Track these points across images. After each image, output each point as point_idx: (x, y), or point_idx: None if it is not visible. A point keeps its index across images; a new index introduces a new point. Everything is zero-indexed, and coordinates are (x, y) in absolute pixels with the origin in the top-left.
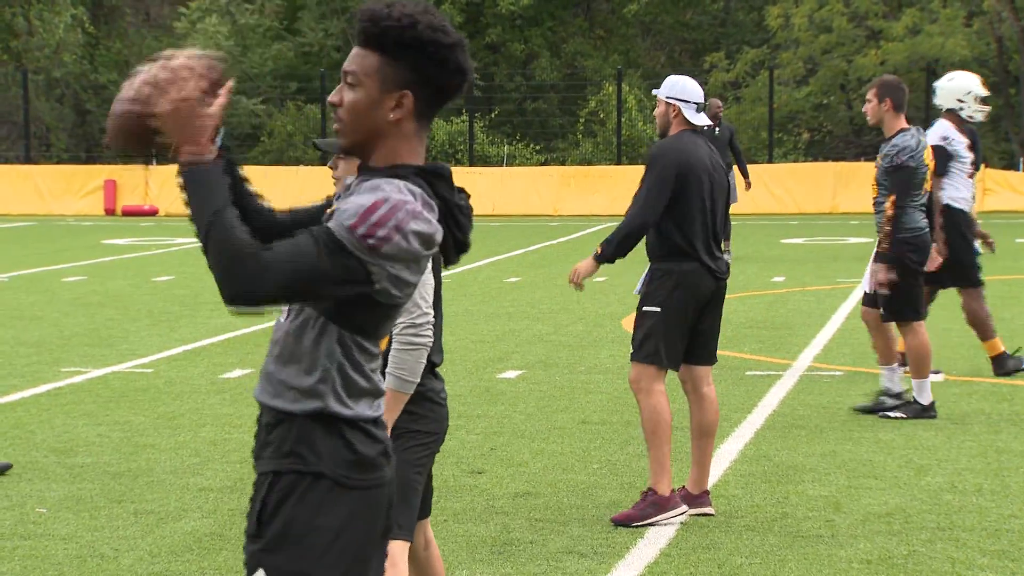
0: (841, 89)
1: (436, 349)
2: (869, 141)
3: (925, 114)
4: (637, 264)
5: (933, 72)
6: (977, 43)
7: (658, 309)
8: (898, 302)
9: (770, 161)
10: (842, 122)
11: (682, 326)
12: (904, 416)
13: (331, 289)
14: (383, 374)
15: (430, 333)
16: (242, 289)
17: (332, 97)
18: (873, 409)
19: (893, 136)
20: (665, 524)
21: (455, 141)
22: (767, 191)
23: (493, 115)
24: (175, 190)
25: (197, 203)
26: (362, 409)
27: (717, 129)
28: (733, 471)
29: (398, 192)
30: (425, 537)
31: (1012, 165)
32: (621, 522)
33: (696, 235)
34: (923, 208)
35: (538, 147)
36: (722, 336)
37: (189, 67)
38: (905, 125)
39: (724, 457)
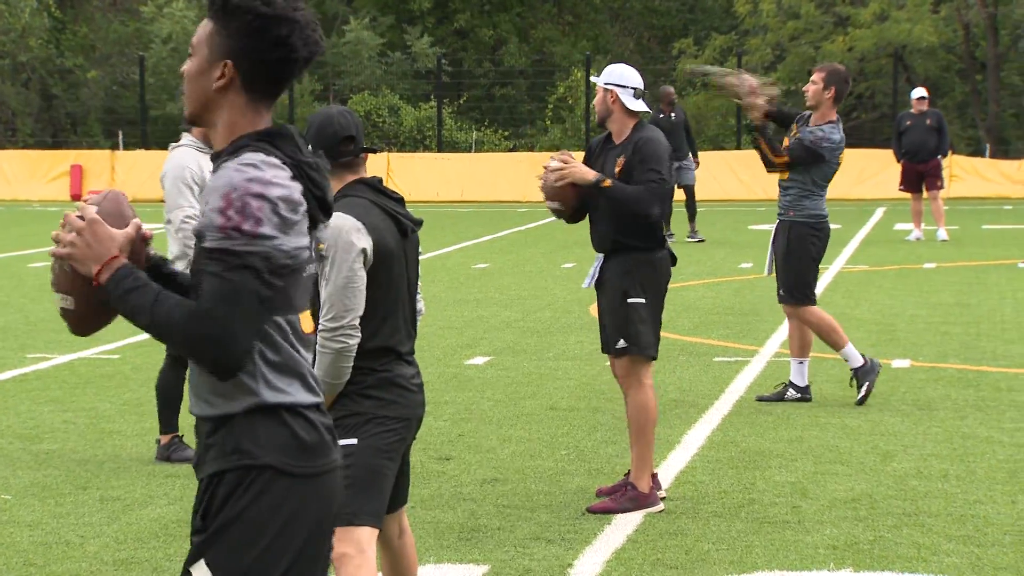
0: (809, 76)
1: (403, 337)
2: None
3: (893, 99)
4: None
5: (900, 58)
6: (944, 29)
7: (644, 300)
8: (800, 285)
9: (738, 147)
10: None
11: (660, 312)
12: (869, 386)
13: (267, 294)
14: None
15: (345, 340)
16: (224, 360)
17: (183, 67)
18: (778, 398)
19: (822, 124)
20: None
21: (423, 127)
22: (735, 177)
23: (462, 101)
24: (141, 175)
25: (132, 311)
26: (297, 393)
27: (673, 115)
28: (700, 457)
29: (237, 172)
30: (400, 526)
31: (979, 152)
32: (598, 512)
33: (660, 224)
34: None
35: (507, 133)
36: (690, 322)
37: (82, 219)
38: (835, 118)
39: (691, 443)
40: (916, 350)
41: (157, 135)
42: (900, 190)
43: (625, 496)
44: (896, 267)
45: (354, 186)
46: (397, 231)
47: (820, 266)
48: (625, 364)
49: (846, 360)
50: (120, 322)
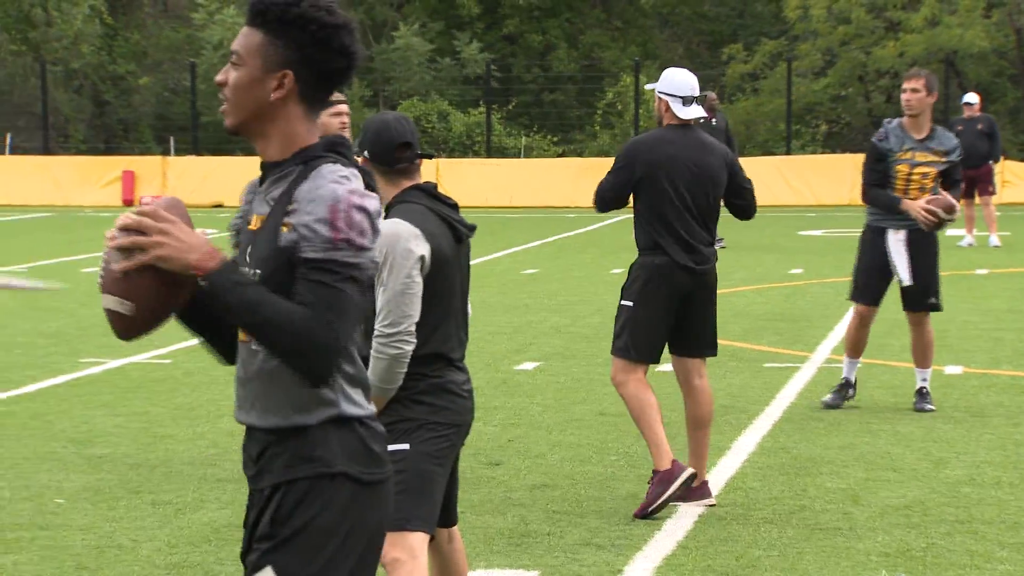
0: (859, 81)
1: (455, 343)
2: None
3: (944, 104)
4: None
5: (952, 64)
6: (996, 34)
7: (630, 303)
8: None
9: (788, 153)
10: (860, 114)
11: (655, 320)
12: (931, 407)
13: (363, 305)
14: None
15: (401, 346)
16: (327, 369)
17: (218, 77)
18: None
19: (932, 132)
20: (682, 511)
21: (472, 132)
22: (785, 183)
23: (511, 106)
24: (192, 181)
25: (242, 304)
26: (366, 404)
27: (714, 120)
28: (751, 463)
29: (338, 184)
30: (450, 531)
31: None
32: (641, 515)
33: (666, 229)
34: None
35: (555, 139)
36: (740, 328)
37: (148, 216)
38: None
39: (742, 449)
40: (969, 356)
41: (208, 141)
42: None
43: (653, 484)
44: (948, 273)
45: (410, 192)
46: (452, 237)
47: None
48: (612, 365)
49: (925, 380)
50: (171, 326)
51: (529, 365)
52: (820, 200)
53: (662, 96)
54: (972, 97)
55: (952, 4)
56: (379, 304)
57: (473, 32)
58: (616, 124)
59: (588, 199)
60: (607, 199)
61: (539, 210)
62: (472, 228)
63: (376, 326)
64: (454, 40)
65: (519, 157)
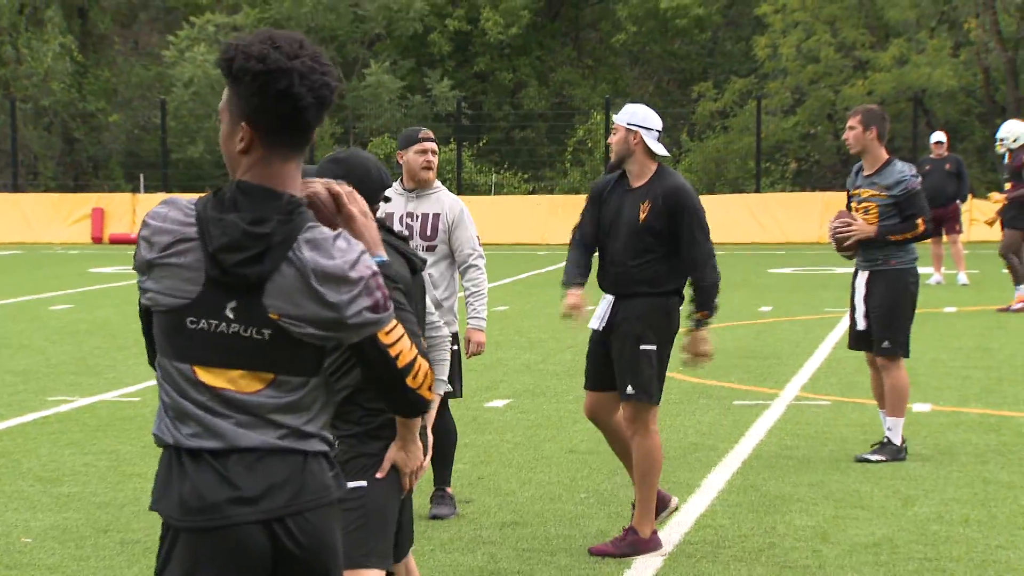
0: (828, 119)
1: None
2: None
3: (912, 143)
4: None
5: (920, 102)
6: (964, 73)
7: (654, 347)
8: (900, 336)
9: (758, 190)
10: (829, 151)
11: (667, 362)
12: (885, 458)
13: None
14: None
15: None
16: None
17: None
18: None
19: (883, 167)
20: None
21: (443, 169)
22: (754, 220)
23: (481, 143)
24: None
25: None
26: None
27: None
28: (720, 501)
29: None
30: (407, 567)
31: None
32: (598, 554)
33: (683, 271)
34: None
35: (526, 176)
36: (709, 365)
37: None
38: (886, 157)
39: (711, 487)
40: (937, 394)
41: (178, 178)
42: None
43: (625, 541)
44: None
45: None
46: (408, 269)
47: (841, 309)
48: (631, 409)
49: (889, 429)
50: (141, 364)
51: (499, 402)
52: (789, 238)
53: (634, 128)
54: (940, 136)
55: (920, 43)
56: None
57: (444, 70)
58: (586, 161)
59: (558, 236)
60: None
61: (510, 247)
62: (424, 261)
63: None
64: (425, 77)
65: (489, 194)
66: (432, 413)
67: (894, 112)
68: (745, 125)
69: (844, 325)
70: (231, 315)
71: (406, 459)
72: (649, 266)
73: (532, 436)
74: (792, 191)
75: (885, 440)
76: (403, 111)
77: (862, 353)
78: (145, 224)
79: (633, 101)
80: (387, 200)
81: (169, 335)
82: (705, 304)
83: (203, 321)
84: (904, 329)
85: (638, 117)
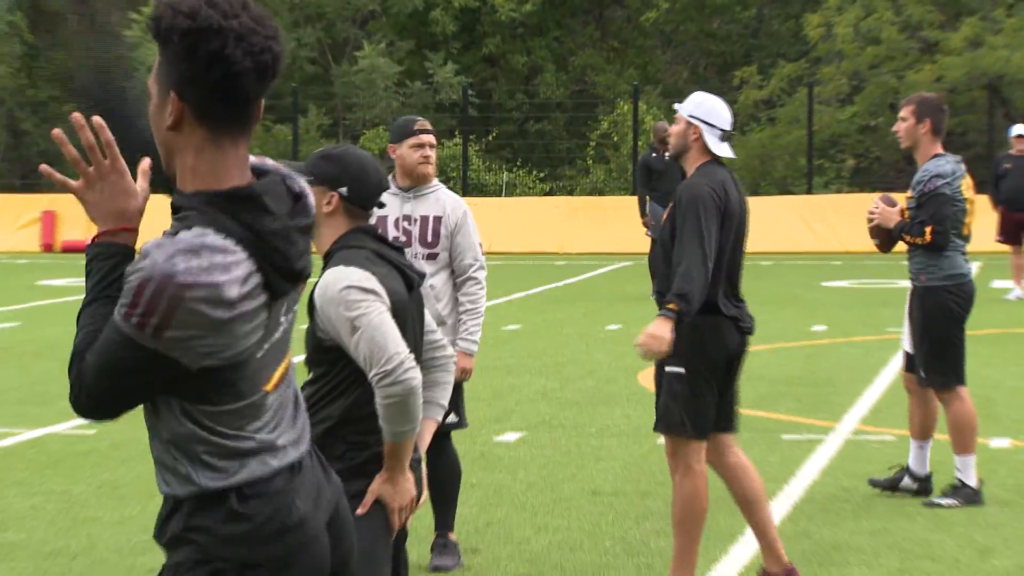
0: (891, 109)
1: None
2: None
3: (988, 138)
4: (656, 309)
5: (996, 90)
6: None
7: (682, 370)
8: (940, 363)
9: (809, 192)
10: (892, 147)
11: (709, 388)
12: (958, 503)
13: (144, 382)
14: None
15: (411, 374)
16: (80, 406)
17: None
18: (891, 486)
19: (926, 163)
20: None
21: (447, 167)
22: (805, 226)
23: (491, 137)
24: None
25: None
26: (247, 470)
27: (667, 155)
28: None
29: (166, 257)
30: None
31: None
32: None
33: (720, 283)
34: (965, 252)
35: (542, 174)
36: (755, 394)
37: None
38: (941, 151)
39: None
40: (1019, 427)
41: None
42: (998, 242)
43: None
44: (994, 331)
45: (353, 235)
46: (403, 284)
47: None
48: (668, 443)
49: (958, 469)
50: None
51: (511, 436)
52: (846, 246)
53: (696, 122)
54: (1020, 128)
55: (997, 23)
56: (361, 356)
57: (448, 52)
58: (612, 158)
59: (579, 244)
60: (710, 258)
61: (523, 256)
62: (423, 276)
63: (371, 375)
64: (426, 61)
65: (500, 195)
66: (426, 439)
67: (967, 101)
68: (795, 116)
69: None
70: (283, 319)
71: (393, 492)
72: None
73: (549, 475)
74: (849, 192)
75: (957, 482)
76: (401, 100)
77: None
78: (211, 284)
79: (667, 90)
80: (381, 206)
81: (237, 380)
82: (683, 299)
83: (267, 340)
84: (939, 356)
85: (703, 110)
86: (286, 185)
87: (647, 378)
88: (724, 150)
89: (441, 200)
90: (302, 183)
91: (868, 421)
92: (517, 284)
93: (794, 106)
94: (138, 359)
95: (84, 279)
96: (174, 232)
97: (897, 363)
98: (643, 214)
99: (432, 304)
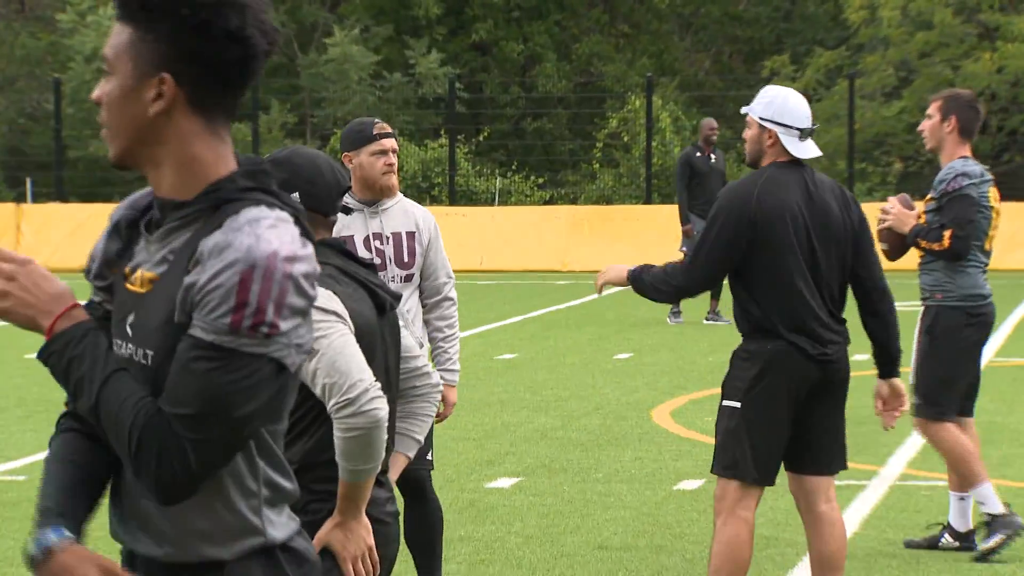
0: None
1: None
2: None
3: None
4: (673, 336)
5: None
6: None
7: (737, 405)
8: (940, 394)
9: None
10: None
11: (771, 425)
12: (1004, 536)
13: (255, 407)
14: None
15: (377, 404)
16: (174, 488)
17: (94, 93)
18: (929, 547)
19: (951, 161)
20: None
21: (431, 171)
22: None
23: (482, 137)
24: (56, 235)
25: (74, 390)
26: (289, 524)
27: (713, 157)
28: None
29: (255, 238)
30: None
31: None
32: None
33: (780, 305)
34: (986, 270)
35: (541, 180)
36: None
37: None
38: (968, 154)
39: None
40: None
41: (77, 183)
42: None
43: None
44: (1003, 363)
45: (316, 250)
46: (373, 305)
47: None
48: (719, 485)
49: (981, 504)
50: (27, 431)
51: (505, 482)
52: (887, 264)
53: (769, 125)
54: None
55: None
56: (319, 384)
57: (432, 39)
58: (621, 161)
59: (584, 259)
60: (697, 279)
61: (519, 275)
62: (398, 297)
63: (330, 405)
64: (407, 50)
65: (493, 204)
66: (393, 475)
67: None
68: (834, 113)
69: None
70: None
71: (345, 540)
72: (735, 303)
73: (549, 527)
74: None
75: (987, 517)
76: (377, 94)
77: (987, 419)
78: (304, 255)
79: (685, 82)
80: (347, 212)
81: (293, 390)
82: (643, 268)
83: None
84: (943, 386)
85: (774, 109)
86: None
87: (661, 415)
88: (806, 150)
89: (410, 212)
90: None
91: (916, 464)
92: (512, 307)
93: (833, 101)
94: (259, 378)
95: (63, 383)
96: (232, 214)
97: None
98: (685, 220)
99: (413, 331)
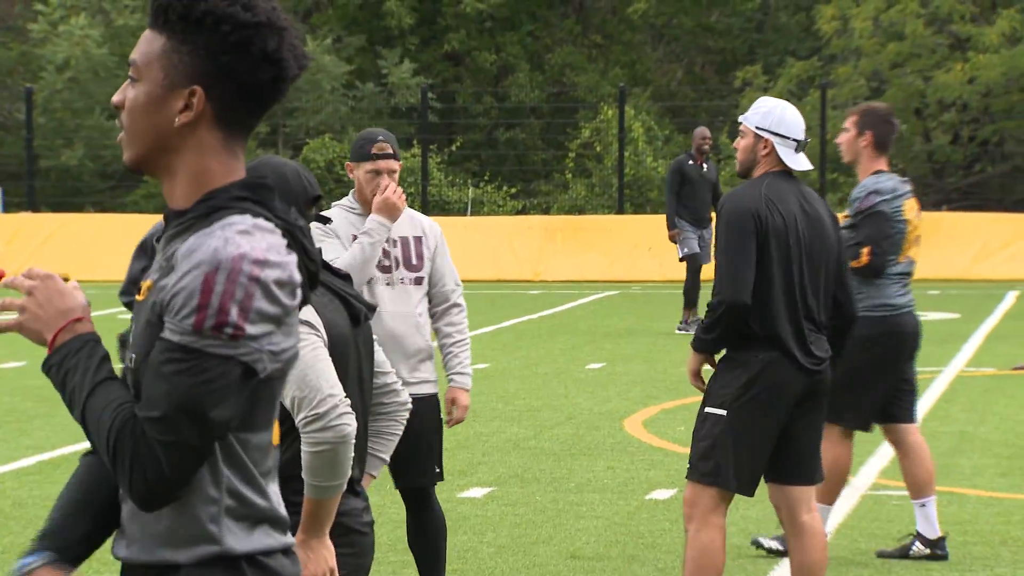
0: (916, 115)
1: (355, 457)
2: (954, 184)
3: None
4: (645, 346)
5: None
6: None
7: (723, 412)
8: (847, 401)
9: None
10: (918, 158)
11: (758, 435)
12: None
13: (226, 411)
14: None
15: (346, 420)
16: (156, 479)
17: (115, 97)
18: (902, 556)
19: (864, 179)
20: None
21: (403, 181)
22: None
23: (454, 147)
24: (28, 246)
25: (68, 400)
26: (261, 539)
27: (705, 167)
28: None
29: (224, 241)
30: None
31: None
32: None
33: (776, 313)
34: (904, 281)
35: (513, 190)
36: None
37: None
38: (883, 168)
39: None
40: None
41: (49, 192)
42: None
43: None
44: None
45: None
46: (348, 316)
47: (921, 369)
48: (691, 490)
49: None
50: None
51: (477, 492)
52: None
53: (765, 135)
54: None
55: None
56: (288, 397)
57: (405, 49)
58: (594, 171)
59: (557, 270)
60: (744, 279)
61: (492, 284)
62: (373, 308)
63: (299, 419)
64: (379, 60)
65: (465, 214)
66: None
67: (1004, 106)
68: (806, 123)
69: (933, 391)
70: None
71: (306, 560)
72: None
73: (521, 536)
74: None
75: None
76: (350, 104)
77: (958, 429)
78: (279, 263)
79: (658, 92)
80: (325, 221)
81: (275, 396)
82: (704, 327)
83: None
84: (855, 397)
85: (771, 119)
86: None
87: (633, 425)
88: (800, 162)
89: (416, 219)
90: None
91: (888, 474)
92: (485, 317)
93: (805, 111)
94: (226, 381)
95: (61, 394)
96: (206, 226)
97: (919, 408)
98: (671, 226)
99: (418, 337)
